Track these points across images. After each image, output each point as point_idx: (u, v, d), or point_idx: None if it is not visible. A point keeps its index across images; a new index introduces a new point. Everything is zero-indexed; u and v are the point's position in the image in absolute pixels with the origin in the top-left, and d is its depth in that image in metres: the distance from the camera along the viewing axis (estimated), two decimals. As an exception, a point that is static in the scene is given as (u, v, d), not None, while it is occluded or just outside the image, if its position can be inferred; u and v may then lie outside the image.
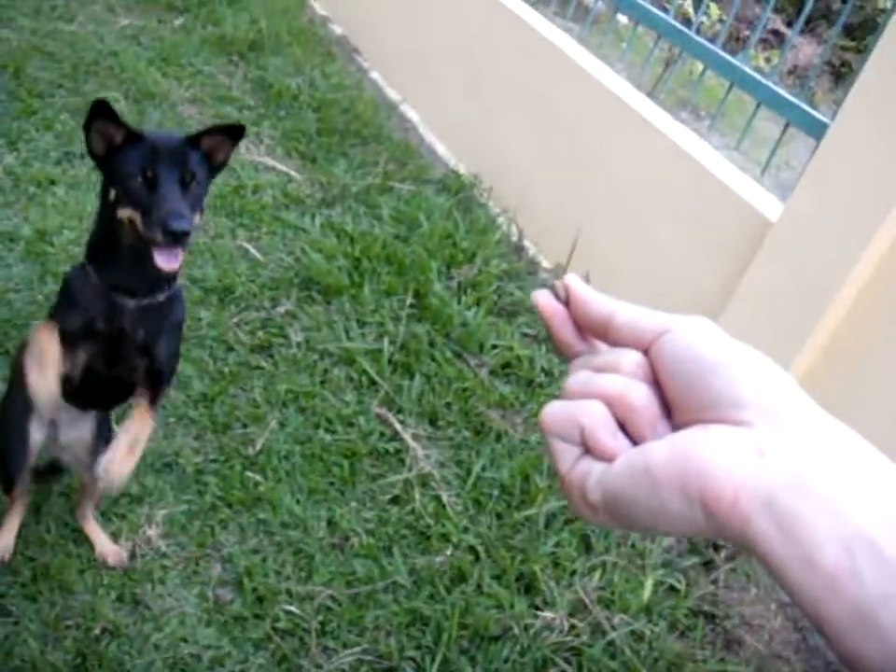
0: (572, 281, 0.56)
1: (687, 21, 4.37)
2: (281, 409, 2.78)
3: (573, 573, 2.47)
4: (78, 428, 2.07)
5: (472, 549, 2.48)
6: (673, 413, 0.49)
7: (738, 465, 0.43)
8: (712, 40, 3.71)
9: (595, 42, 4.54)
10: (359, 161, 4.20)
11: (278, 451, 2.62)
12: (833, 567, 0.39)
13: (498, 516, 2.60)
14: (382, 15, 5.25)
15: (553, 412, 0.52)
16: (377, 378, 2.95)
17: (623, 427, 0.50)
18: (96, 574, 2.21)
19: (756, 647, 2.46)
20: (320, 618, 2.23)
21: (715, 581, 2.59)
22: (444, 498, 2.59)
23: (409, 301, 3.26)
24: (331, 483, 2.59)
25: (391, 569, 2.38)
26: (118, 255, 1.71)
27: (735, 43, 6.59)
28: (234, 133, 1.78)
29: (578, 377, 0.53)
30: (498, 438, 2.84)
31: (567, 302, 0.56)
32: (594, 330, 0.55)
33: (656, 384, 0.50)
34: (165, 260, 1.60)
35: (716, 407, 0.46)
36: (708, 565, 2.65)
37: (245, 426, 2.69)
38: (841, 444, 0.43)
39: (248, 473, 2.54)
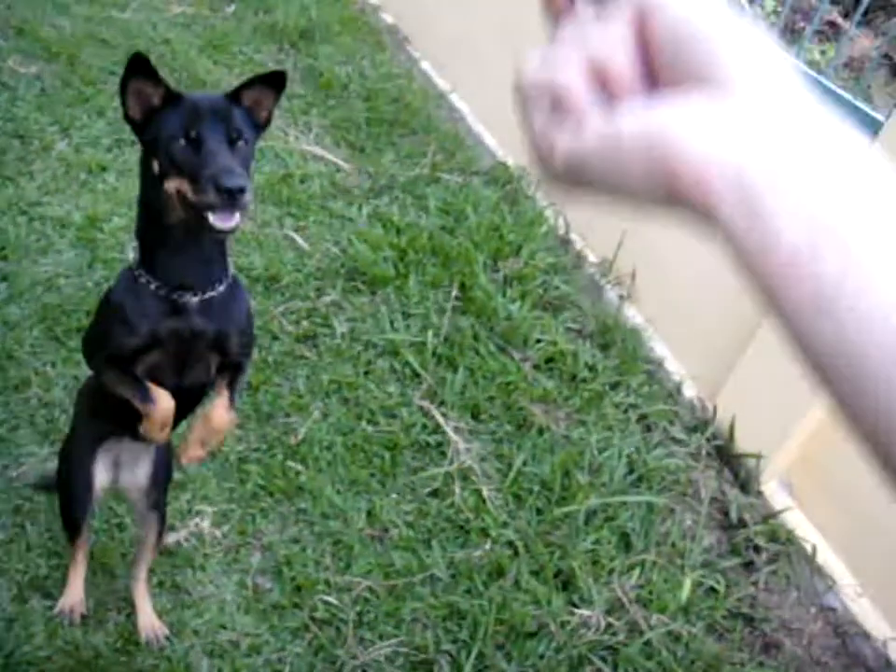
0: None
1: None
2: (324, 399, 2.79)
3: (611, 571, 2.46)
4: (137, 470, 1.99)
5: (511, 544, 2.48)
6: (659, 82, 0.47)
7: (708, 137, 0.42)
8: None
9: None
10: (407, 151, 4.20)
11: (320, 441, 2.64)
12: (793, 250, 0.39)
13: (538, 512, 2.60)
14: (433, 4, 5.23)
15: (527, 70, 0.50)
16: (420, 370, 2.95)
17: (604, 88, 0.48)
18: (139, 559, 2.24)
19: (795, 651, 2.44)
20: (357, 609, 2.25)
21: (755, 584, 2.57)
22: (484, 492, 2.60)
23: (454, 293, 3.26)
24: (372, 475, 2.60)
25: (429, 562, 2.39)
26: (169, 243, 1.59)
27: (791, 34, 6.49)
28: (275, 82, 1.61)
29: (562, 38, 0.50)
30: (540, 433, 2.83)
31: None
32: None
33: (648, 48, 0.48)
34: (221, 220, 1.46)
35: (698, 77, 0.44)
36: (749, 566, 2.62)
37: (287, 415, 2.71)
38: (823, 130, 0.41)
39: (290, 463, 2.56)
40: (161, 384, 1.64)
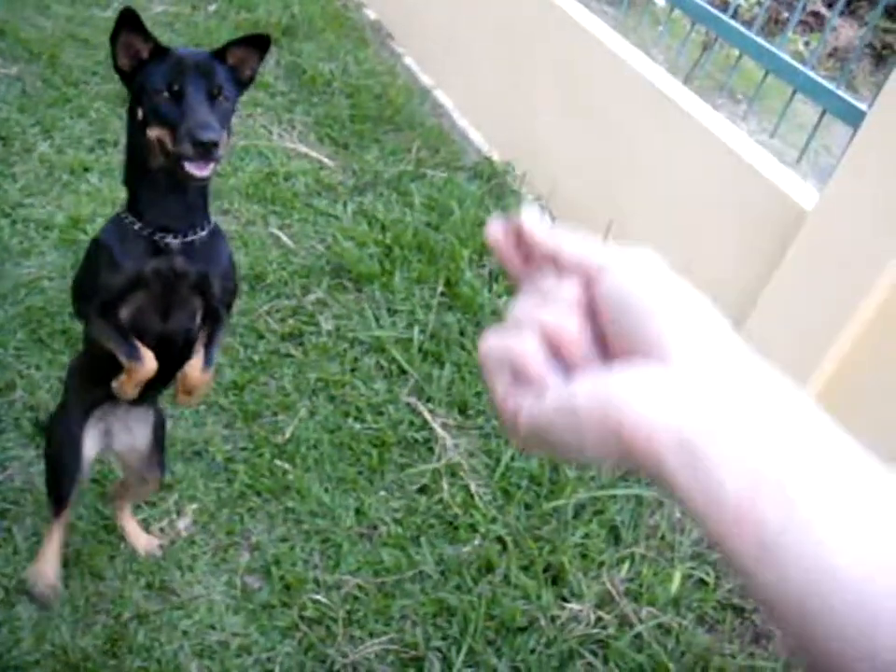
0: (525, 218, 0.58)
1: (725, 4, 4.31)
2: (311, 397, 2.79)
3: (601, 565, 2.46)
4: (132, 435, 2.01)
5: (500, 539, 2.48)
6: (608, 345, 0.51)
7: (654, 404, 0.45)
8: (750, 24, 3.65)
9: (632, 25, 4.49)
10: (392, 147, 4.19)
11: (307, 439, 2.63)
12: (737, 503, 0.41)
13: (527, 507, 2.59)
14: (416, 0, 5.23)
15: (489, 342, 0.55)
16: (407, 367, 2.95)
17: (558, 354, 0.52)
18: (126, 561, 2.23)
19: (785, 641, 2.44)
20: (347, 607, 2.24)
21: (745, 575, 2.57)
22: (473, 488, 2.59)
23: (439, 289, 3.26)
24: (360, 472, 2.59)
25: (418, 559, 2.38)
26: (152, 187, 1.67)
27: (775, 25, 6.49)
28: (260, 43, 1.71)
29: (520, 307, 0.55)
30: (528, 427, 2.82)
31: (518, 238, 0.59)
32: (545, 262, 0.57)
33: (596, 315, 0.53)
34: (195, 168, 1.56)
35: (640, 342, 0.48)
36: (738, 557, 2.62)
37: (274, 414, 2.70)
38: (760, 387, 0.45)
39: (277, 462, 2.55)
40: (146, 328, 1.70)
